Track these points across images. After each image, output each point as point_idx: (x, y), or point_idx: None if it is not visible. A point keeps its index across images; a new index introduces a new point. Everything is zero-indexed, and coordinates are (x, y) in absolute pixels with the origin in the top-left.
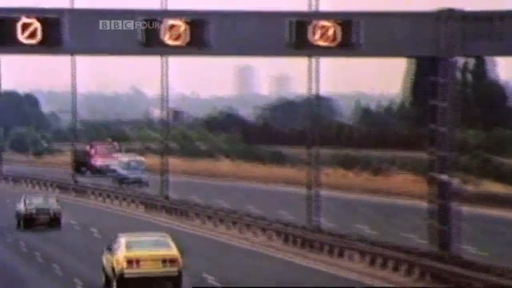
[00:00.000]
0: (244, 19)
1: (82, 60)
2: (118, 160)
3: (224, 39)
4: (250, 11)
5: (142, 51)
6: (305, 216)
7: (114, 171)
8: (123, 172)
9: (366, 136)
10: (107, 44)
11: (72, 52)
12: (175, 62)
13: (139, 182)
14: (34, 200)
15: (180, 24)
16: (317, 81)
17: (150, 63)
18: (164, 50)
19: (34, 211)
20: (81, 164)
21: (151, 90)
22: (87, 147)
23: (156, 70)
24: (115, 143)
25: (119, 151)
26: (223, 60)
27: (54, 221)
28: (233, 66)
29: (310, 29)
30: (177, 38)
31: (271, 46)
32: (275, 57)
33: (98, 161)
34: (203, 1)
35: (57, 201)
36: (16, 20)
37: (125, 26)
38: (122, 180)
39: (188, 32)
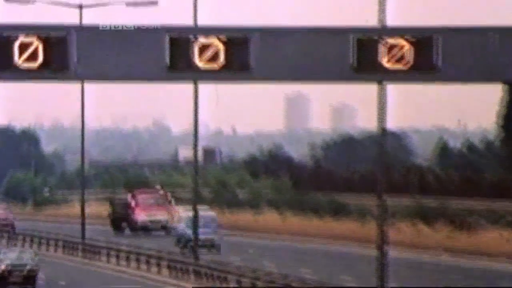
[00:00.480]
0: (294, 37)
1: (94, 88)
2: (179, 216)
3: (268, 61)
4: (301, 27)
5: (168, 76)
6: (373, 283)
7: (173, 230)
8: (187, 232)
9: (448, 181)
10: (124, 68)
11: (81, 78)
12: (208, 90)
13: (209, 245)
14: (8, 255)
15: (215, 43)
16: (385, 113)
17: (177, 91)
18: (194, 74)
19: (7, 268)
20: (120, 219)
21: (178, 125)
22: (129, 197)
23: (184, 100)
24: (165, 192)
25: (170, 202)
26: (268, 87)
27: (28, 279)
28: (280, 94)
29: (379, 48)
30: (211, 60)
31: (328, 70)
32: (333, 83)
33: (141, 215)
34: (243, 16)
35: (35, 256)
36: (13, 39)
37: (147, 46)
38: (186, 242)
39: (224, 53)
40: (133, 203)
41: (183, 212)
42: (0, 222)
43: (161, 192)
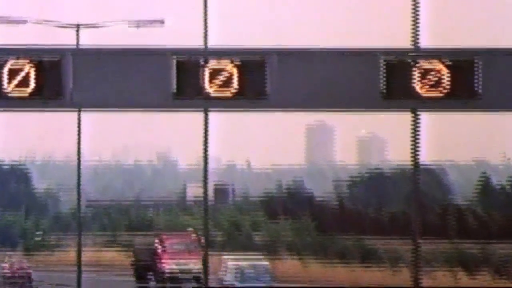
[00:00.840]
0: (316, 60)
1: (91, 118)
2: (225, 266)
3: (287, 87)
4: (324, 49)
5: (174, 104)
6: None
7: (217, 282)
8: (237, 285)
9: (491, 223)
10: (125, 96)
11: (77, 106)
12: (220, 119)
13: None
14: None
15: (227, 67)
16: (419, 145)
17: (185, 121)
18: (204, 102)
19: None
20: (145, 268)
21: (185, 159)
22: (155, 242)
23: (193, 131)
24: (198, 236)
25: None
26: (287, 116)
27: None
28: (300, 124)
29: (413, 72)
30: (223, 86)
31: (355, 97)
32: (361, 112)
33: (169, 264)
34: (258, 37)
35: None
36: (2, 63)
37: (151, 70)
38: None
39: (237, 78)
40: (160, 250)
41: (231, 261)
42: (15, 273)
43: (194, 236)
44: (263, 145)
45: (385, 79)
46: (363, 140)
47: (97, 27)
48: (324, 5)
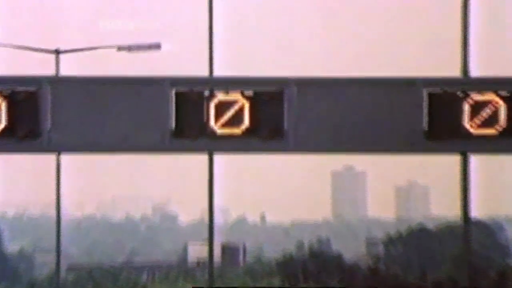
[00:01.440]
0: (343, 91)
1: (73, 162)
2: None
3: (308, 124)
4: (354, 78)
5: (173, 145)
6: None
7: None
8: None
9: None
10: (113, 135)
11: (56, 148)
12: (228, 163)
13: None
14: None
15: (237, 100)
16: (470, 196)
17: (186, 165)
18: (209, 142)
19: None
20: None
21: (187, 214)
22: None
23: (195, 177)
24: None
25: None
26: (308, 160)
27: None
28: (325, 170)
29: (463, 107)
30: (231, 122)
31: (391, 137)
32: (398, 154)
33: None
34: (274, 63)
35: None
36: None
37: (146, 104)
38: None
39: (249, 113)
40: None
41: None
42: None
43: None
44: (280, 195)
45: (428, 114)
46: (401, 189)
47: (81, 51)
48: (353, 28)
